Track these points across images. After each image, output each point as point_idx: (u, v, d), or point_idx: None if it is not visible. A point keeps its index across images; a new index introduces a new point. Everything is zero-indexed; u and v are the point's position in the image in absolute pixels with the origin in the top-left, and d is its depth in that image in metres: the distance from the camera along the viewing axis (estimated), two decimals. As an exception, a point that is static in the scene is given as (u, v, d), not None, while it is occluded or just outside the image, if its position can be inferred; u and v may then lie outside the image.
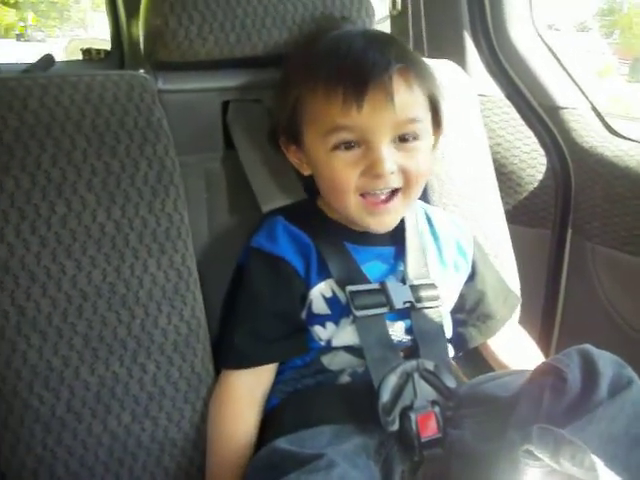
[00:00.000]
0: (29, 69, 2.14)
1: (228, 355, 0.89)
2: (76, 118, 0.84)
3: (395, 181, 0.86)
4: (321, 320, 0.90)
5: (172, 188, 0.88)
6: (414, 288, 0.92)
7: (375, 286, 0.90)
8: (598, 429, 0.74)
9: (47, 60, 2.20)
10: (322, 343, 0.91)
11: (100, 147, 0.85)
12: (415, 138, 0.87)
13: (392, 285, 0.91)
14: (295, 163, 0.93)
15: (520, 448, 0.74)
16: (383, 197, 0.87)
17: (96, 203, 0.84)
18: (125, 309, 0.85)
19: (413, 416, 0.84)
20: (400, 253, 0.95)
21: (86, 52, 2.87)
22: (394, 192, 0.87)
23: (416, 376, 0.86)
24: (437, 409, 0.86)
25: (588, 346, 0.82)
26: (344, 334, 0.90)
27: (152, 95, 0.90)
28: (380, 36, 0.92)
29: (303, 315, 0.91)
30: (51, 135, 0.82)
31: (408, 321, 0.92)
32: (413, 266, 0.94)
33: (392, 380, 0.85)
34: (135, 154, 0.86)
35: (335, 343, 0.90)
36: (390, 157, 0.84)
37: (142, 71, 1.00)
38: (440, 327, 0.95)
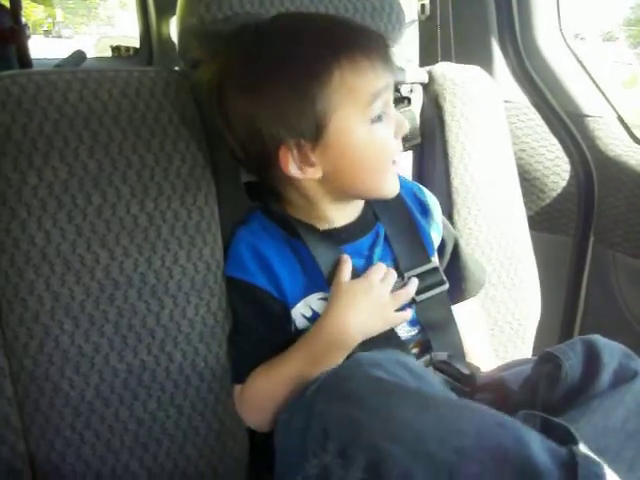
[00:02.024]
0: (61, 64, 2.18)
1: (232, 371, 0.91)
2: (113, 112, 0.87)
3: None
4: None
5: (204, 183, 0.90)
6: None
7: None
8: (593, 420, 0.73)
9: (79, 56, 2.25)
10: None
11: (136, 141, 0.87)
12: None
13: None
14: (297, 173, 0.82)
15: None
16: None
17: (130, 195, 0.86)
18: (155, 299, 0.87)
19: None
20: (383, 243, 0.92)
21: (115, 49, 2.92)
22: None
23: (430, 370, 0.88)
24: None
25: (595, 336, 0.81)
26: None
27: (187, 92, 0.92)
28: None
29: (293, 329, 0.90)
30: (89, 127, 0.85)
31: (412, 313, 0.91)
32: (405, 254, 0.92)
33: None
34: (169, 148, 0.89)
35: None
36: None
37: (177, 68, 1.02)
38: (448, 313, 0.94)
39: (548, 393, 0.78)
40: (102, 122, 0.86)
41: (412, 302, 0.91)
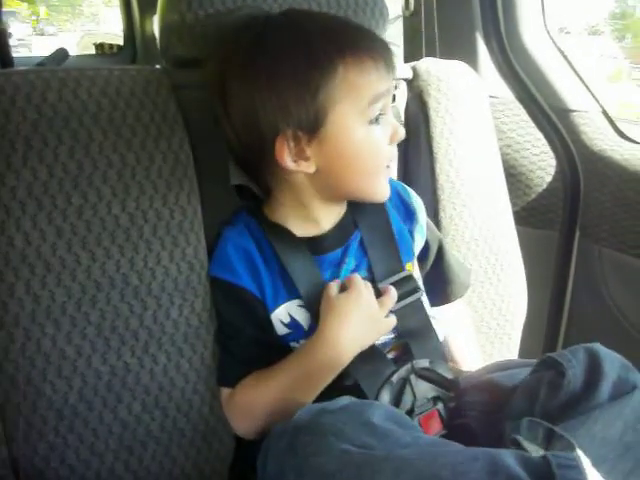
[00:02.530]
0: (43, 62, 2.16)
1: (217, 372, 0.90)
2: (93, 111, 0.85)
3: None
4: (291, 338, 0.89)
5: (186, 182, 0.90)
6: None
7: None
8: (591, 431, 0.74)
9: (61, 54, 2.22)
10: None
11: (116, 140, 0.86)
12: None
13: None
14: (291, 165, 0.82)
15: (508, 438, 0.74)
16: None
17: (111, 195, 0.85)
18: (137, 300, 0.86)
19: (416, 419, 0.85)
20: (359, 248, 0.91)
21: (99, 47, 2.90)
22: None
23: (412, 378, 0.87)
24: (439, 405, 0.87)
25: (597, 345, 0.81)
26: None
27: (168, 90, 0.91)
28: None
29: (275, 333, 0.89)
30: (68, 127, 0.84)
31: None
32: (381, 262, 0.91)
33: (386, 394, 0.85)
34: (150, 147, 0.88)
35: None
36: None
37: (158, 66, 1.01)
38: (425, 319, 0.93)
39: (548, 400, 0.78)
40: (82, 122, 0.85)
41: (390, 312, 0.89)
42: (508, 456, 0.64)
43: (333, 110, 0.80)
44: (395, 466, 0.64)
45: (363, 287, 0.85)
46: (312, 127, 0.80)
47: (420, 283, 0.95)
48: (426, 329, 0.93)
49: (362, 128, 0.82)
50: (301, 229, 0.89)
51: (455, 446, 0.70)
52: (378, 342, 0.89)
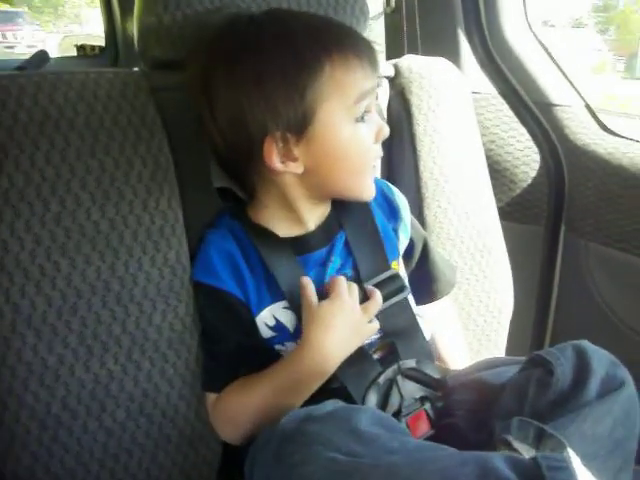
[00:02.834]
0: (23, 65, 2.14)
1: (203, 378, 0.89)
2: (70, 116, 0.84)
3: None
4: (277, 340, 0.88)
5: (166, 186, 0.88)
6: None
7: None
8: (582, 429, 0.74)
9: (41, 56, 2.20)
10: None
11: (94, 145, 0.85)
12: None
13: None
14: (279, 166, 0.81)
15: (498, 438, 0.74)
16: None
17: (90, 201, 0.84)
18: (119, 306, 0.85)
19: (403, 420, 0.84)
20: (344, 248, 0.91)
21: (80, 48, 2.87)
22: None
23: (399, 378, 0.86)
24: (427, 405, 0.86)
25: (584, 342, 0.81)
26: None
27: (146, 93, 0.90)
28: None
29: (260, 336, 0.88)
30: (45, 133, 0.83)
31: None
32: (366, 261, 0.90)
33: (373, 396, 0.84)
34: (129, 152, 0.87)
35: None
36: None
37: (136, 69, 1.00)
38: (412, 318, 0.93)
39: (537, 398, 0.78)
40: (58, 127, 0.83)
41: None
42: (498, 459, 0.63)
43: (321, 109, 0.80)
44: (383, 474, 0.63)
45: (346, 294, 0.83)
46: (300, 127, 0.80)
47: (406, 282, 0.94)
48: (412, 328, 0.93)
49: (349, 126, 0.82)
50: (285, 230, 0.88)
51: (444, 450, 0.69)
52: (364, 343, 0.88)
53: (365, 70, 0.82)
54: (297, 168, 0.82)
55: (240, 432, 0.86)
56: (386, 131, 0.86)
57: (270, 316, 0.87)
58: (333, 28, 0.85)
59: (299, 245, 0.88)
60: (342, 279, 0.84)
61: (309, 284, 0.84)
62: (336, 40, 0.82)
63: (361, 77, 0.81)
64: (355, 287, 0.85)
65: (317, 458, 0.66)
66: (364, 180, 0.87)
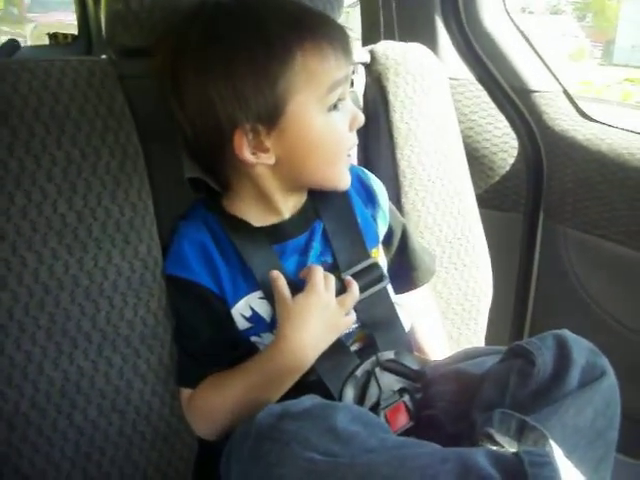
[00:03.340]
0: (-7, 55, 2.09)
1: (176, 373, 0.87)
2: (34, 105, 0.81)
3: None
4: (253, 332, 0.86)
5: (135, 176, 0.86)
6: (353, 278, 0.86)
7: None
8: (563, 419, 0.73)
9: (11, 46, 2.15)
10: None
11: (60, 135, 0.82)
12: None
13: None
14: (250, 158, 0.79)
15: (480, 431, 0.73)
16: None
17: (57, 193, 0.81)
18: (89, 301, 0.83)
19: (382, 413, 0.83)
20: (323, 237, 0.89)
21: (52, 37, 2.82)
22: None
23: (377, 371, 0.85)
24: (406, 397, 0.85)
25: (565, 331, 0.80)
26: None
27: (114, 81, 0.88)
28: None
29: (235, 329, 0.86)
30: (8, 124, 0.80)
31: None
32: (345, 250, 0.89)
33: (351, 389, 0.83)
34: (97, 142, 0.84)
35: None
36: None
37: (104, 56, 0.97)
38: (391, 308, 0.91)
39: (518, 389, 0.77)
40: (22, 117, 0.81)
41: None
42: (479, 455, 0.62)
43: (292, 99, 0.77)
44: (360, 473, 0.62)
45: (322, 286, 0.81)
46: (271, 118, 0.77)
47: (385, 271, 0.93)
48: (391, 319, 0.91)
49: (321, 116, 0.80)
50: (260, 219, 0.86)
51: (424, 447, 0.68)
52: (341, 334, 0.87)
53: (338, 58, 0.80)
54: (269, 159, 0.80)
55: (215, 428, 0.84)
56: (361, 119, 0.84)
57: (246, 307, 0.85)
58: (306, 15, 0.82)
59: (275, 234, 0.87)
60: (319, 269, 0.82)
61: (279, 277, 0.82)
62: (309, 28, 0.79)
63: (334, 66, 0.79)
64: (332, 278, 0.83)
65: (294, 458, 0.65)
66: (339, 169, 0.85)
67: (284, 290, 0.81)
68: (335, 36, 0.81)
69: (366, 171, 1.00)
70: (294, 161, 0.82)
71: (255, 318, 0.86)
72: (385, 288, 0.91)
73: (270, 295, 0.83)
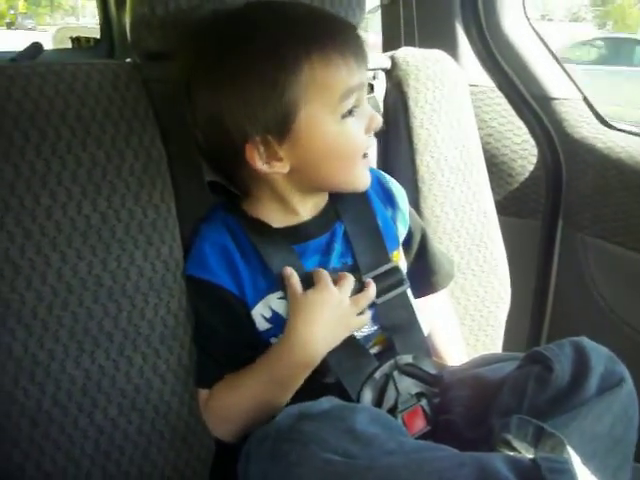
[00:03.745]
0: (16, 58, 2.12)
1: (195, 374, 0.88)
2: (60, 108, 0.83)
3: None
4: (272, 333, 0.87)
5: (159, 179, 0.87)
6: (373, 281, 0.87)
7: None
8: (581, 426, 0.73)
9: (35, 48, 2.18)
10: None
11: (85, 138, 0.83)
12: None
13: None
14: (263, 168, 0.80)
15: (498, 437, 0.74)
16: None
17: (81, 195, 0.83)
18: (111, 301, 0.84)
19: (399, 416, 0.83)
20: (344, 238, 0.89)
21: (75, 40, 2.85)
22: None
23: (396, 374, 0.85)
24: (423, 401, 0.86)
25: (583, 339, 0.80)
26: None
27: (138, 85, 0.89)
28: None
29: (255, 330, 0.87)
30: (35, 125, 0.81)
31: (371, 310, 0.89)
32: (366, 252, 0.89)
33: (369, 392, 0.83)
34: (121, 145, 0.85)
35: None
36: None
37: (129, 60, 0.99)
38: (410, 312, 0.92)
39: (536, 395, 0.77)
40: (49, 119, 0.82)
41: (372, 304, 0.88)
42: (497, 460, 0.62)
43: (302, 110, 0.77)
44: (379, 476, 0.63)
45: (331, 284, 0.82)
46: (282, 129, 0.78)
47: (405, 274, 0.93)
48: (411, 323, 0.92)
49: (335, 124, 0.80)
50: (281, 221, 0.87)
51: (442, 450, 0.68)
52: (360, 336, 0.88)
53: (350, 66, 0.79)
54: (283, 168, 0.81)
55: (231, 428, 0.85)
56: (378, 121, 0.84)
57: (266, 307, 0.86)
58: (316, 22, 0.81)
59: (295, 234, 0.87)
60: (324, 272, 0.83)
61: (293, 274, 0.83)
62: (316, 37, 0.78)
63: (345, 74, 0.79)
64: (350, 278, 0.84)
65: (313, 459, 0.65)
66: (355, 172, 0.85)
67: (296, 285, 0.82)
68: (347, 43, 0.80)
69: (385, 175, 1.01)
70: (309, 168, 0.82)
71: (275, 318, 0.86)
72: (405, 292, 0.91)
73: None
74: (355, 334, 0.86)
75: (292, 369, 0.81)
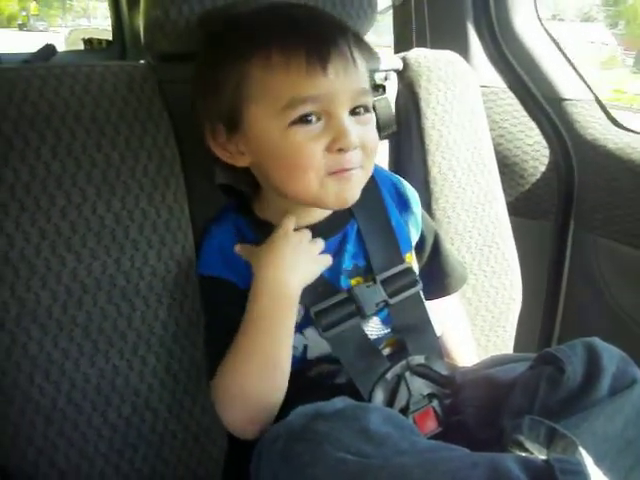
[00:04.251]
0: (30, 59, 2.14)
1: (208, 372, 0.87)
2: (75, 109, 0.84)
3: (358, 157, 0.80)
4: None
5: (172, 179, 0.88)
6: (386, 282, 0.87)
7: (342, 297, 0.85)
8: (593, 427, 0.73)
9: (48, 50, 2.19)
10: (298, 353, 0.88)
11: (100, 139, 0.84)
12: (367, 110, 0.82)
13: (361, 289, 0.85)
14: (225, 156, 0.82)
15: (510, 438, 0.73)
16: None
17: (96, 195, 0.84)
18: (125, 301, 0.85)
19: (410, 417, 0.83)
20: (357, 239, 0.89)
21: (87, 42, 2.87)
22: None
23: (407, 375, 0.85)
24: (435, 402, 0.86)
25: (595, 339, 0.80)
26: (316, 346, 0.87)
27: (152, 86, 0.90)
28: (316, 6, 0.91)
29: None
30: (51, 126, 0.82)
31: (384, 312, 0.89)
32: (379, 253, 0.89)
33: (380, 392, 0.83)
34: (135, 145, 0.86)
35: (310, 355, 0.88)
36: (353, 129, 0.78)
37: (143, 62, 0.99)
38: (423, 313, 0.92)
39: (548, 396, 0.77)
40: (64, 120, 0.83)
41: (385, 305, 0.88)
42: (509, 461, 0.62)
43: (247, 109, 0.78)
44: (392, 475, 0.63)
45: (286, 226, 0.84)
46: (231, 122, 0.80)
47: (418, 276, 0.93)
48: (423, 324, 0.92)
49: (278, 130, 0.77)
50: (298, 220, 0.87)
51: (455, 451, 0.68)
52: (373, 337, 0.88)
53: (307, 75, 0.75)
54: (243, 161, 0.82)
55: (237, 412, 0.82)
56: (345, 143, 0.77)
57: None
58: (275, 21, 0.79)
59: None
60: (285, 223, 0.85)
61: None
62: (269, 40, 0.77)
63: (297, 82, 0.76)
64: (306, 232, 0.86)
65: (326, 458, 0.65)
66: (309, 186, 0.79)
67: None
68: (313, 51, 0.76)
69: (401, 179, 1.00)
70: (264, 168, 0.82)
71: None
72: (418, 293, 0.91)
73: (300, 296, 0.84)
74: (368, 334, 0.87)
75: (270, 308, 0.80)
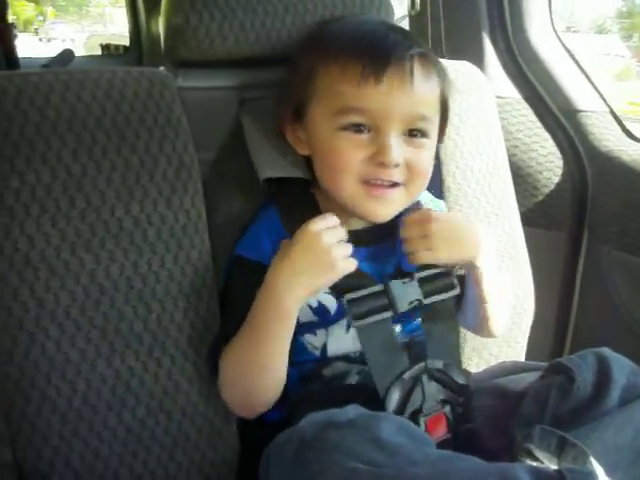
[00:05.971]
0: (48, 64, 2.16)
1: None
2: (97, 114, 0.85)
3: (399, 175, 0.83)
4: (309, 328, 0.88)
5: (190, 184, 0.89)
6: (424, 281, 0.87)
7: (377, 289, 0.85)
8: (603, 437, 0.73)
9: (66, 55, 2.22)
10: (317, 353, 0.89)
11: (120, 143, 0.86)
12: (424, 135, 0.85)
13: (396, 285, 0.85)
14: (292, 141, 0.89)
15: (520, 447, 0.74)
16: (384, 185, 0.83)
17: (115, 198, 0.85)
18: (142, 304, 0.86)
19: (422, 420, 0.83)
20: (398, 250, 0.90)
21: (105, 48, 2.91)
22: (394, 184, 0.84)
23: (424, 378, 0.85)
24: (447, 408, 0.86)
25: (605, 349, 0.80)
26: (339, 342, 0.88)
27: (172, 92, 0.91)
28: (399, 26, 0.95)
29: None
30: (72, 130, 0.83)
31: (417, 311, 0.89)
32: None
33: (397, 391, 0.84)
34: (154, 150, 0.87)
35: (331, 352, 0.89)
36: (398, 148, 0.81)
37: (162, 68, 1.01)
38: (452, 320, 0.92)
39: (558, 406, 0.77)
40: (85, 125, 0.84)
41: (419, 304, 0.87)
42: (521, 471, 0.63)
43: (310, 105, 0.86)
44: None
45: (310, 226, 0.81)
46: (300, 111, 0.87)
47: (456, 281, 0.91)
48: (450, 331, 0.92)
49: (327, 131, 0.84)
50: (351, 224, 0.88)
51: (466, 461, 0.68)
52: (396, 334, 0.89)
53: (354, 84, 0.80)
54: (302, 149, 0.89)
55: (241, 399, 0.86)
56: (384, 158, 0.81)
57: (313, 298, 0.87)
58: (348, 31, 0.88)
59: (352, 237, 0.85)
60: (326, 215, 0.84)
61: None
62: (340, 49, 0.83)
63: (347, 91, 0.81)
64: (341, 229, 0.83)
65: (337, 468, 0.65)
66: (345, 190, 0.84)
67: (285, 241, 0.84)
68: (373, 65, 0.80)
69: (438, 200, 1.02)
70: (315, 161, 0.88)
71: (321, 310, 0.88)
72: (452, 298, 0.91)
73: (336, 288, 0.84)
74: (397, 338, 0.88)
75: (266, 310, 0.81)
